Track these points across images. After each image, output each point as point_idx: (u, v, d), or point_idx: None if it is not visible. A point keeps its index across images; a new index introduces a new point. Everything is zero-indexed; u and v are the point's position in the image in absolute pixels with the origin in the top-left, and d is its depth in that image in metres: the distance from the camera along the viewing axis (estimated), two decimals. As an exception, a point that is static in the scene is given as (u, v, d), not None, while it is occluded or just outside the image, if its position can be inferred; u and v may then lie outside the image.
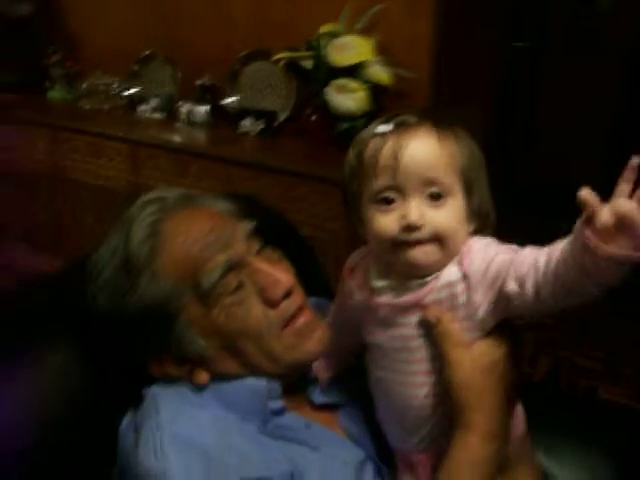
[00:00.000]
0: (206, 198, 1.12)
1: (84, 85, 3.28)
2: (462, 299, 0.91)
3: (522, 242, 0.91)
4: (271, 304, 1.02)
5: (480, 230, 0.94)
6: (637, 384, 2.76)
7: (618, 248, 0.73)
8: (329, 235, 2.44)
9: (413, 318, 0.93)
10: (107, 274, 1.03)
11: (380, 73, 2.47)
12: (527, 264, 0.85)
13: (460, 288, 0.91)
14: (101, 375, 1.09)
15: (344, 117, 2.48)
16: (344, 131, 2.50)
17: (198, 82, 2.98)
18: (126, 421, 1.03)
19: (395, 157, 0.88)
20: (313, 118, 2.64)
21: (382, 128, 0.92)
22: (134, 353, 1.06)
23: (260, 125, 2.79)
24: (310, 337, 1.05)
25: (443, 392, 0.93)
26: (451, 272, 0.91)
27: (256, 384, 1.04)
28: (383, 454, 1.09)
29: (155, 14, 3.21)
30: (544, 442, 1.19)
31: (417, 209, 0.87)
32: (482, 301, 0.90)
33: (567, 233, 0.79)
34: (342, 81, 2.43)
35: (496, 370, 0.91)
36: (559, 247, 0.81)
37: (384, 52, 2.55)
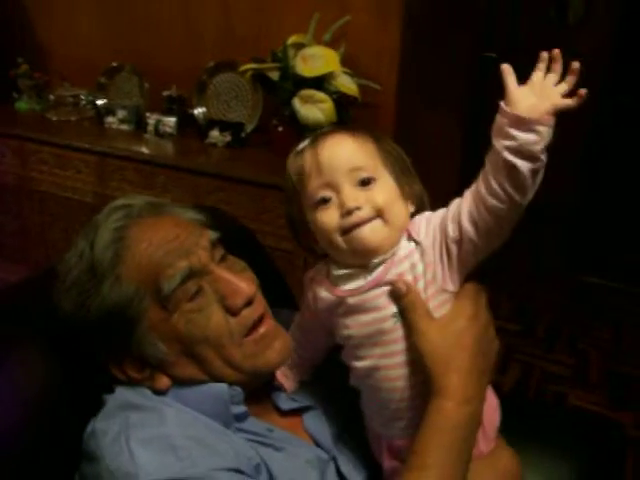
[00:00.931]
0: (173, 207, 1.14)
1: (52, 96, 3.25)
2: (420, 267, 0.97)
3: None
4: (232, 312, 1.04)
5: (419, 211, 1.02)
6: (605, 390, 2.78)
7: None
8: (295, 247, 2.42)
9: (381, 300, 0.97)
10: (73, 277, 1.05)
11: (347, 84, 2.47)
12: (456, 203, 0.95)
13: (416, 257, 0.97)
14: (64, 380, 1.09)
15: (311, 128, 2.47)
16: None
17: (165, 93, 2.98)
18: (90, 427, 1.03)
19: (316, 159, 0.98)
20: (280, 129, 2.64)
21: (301, 146, 1.02)
22: (96, 356, 1.06)
23: (227, 136, 2.79)
24: (271, 346, 1.07)
25: (408, 378, 0.97)
26: (403, 245, 0.98)
27: (218, 388, 1.05)
28: (345, 456, 1.12)
29: (122, 26, 3.21)
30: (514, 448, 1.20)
31: (351, 194, 0.95)
32: (437, 261, 0.96)
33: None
34: (309, 92, 2.43)
35: (464, 335, 0.95)
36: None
37: (351, 63, 2.56)
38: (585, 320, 2.95)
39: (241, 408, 1.06)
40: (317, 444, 1.13)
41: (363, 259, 0.98)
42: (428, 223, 0.98)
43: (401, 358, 0.97)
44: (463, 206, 0.93)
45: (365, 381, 1.04)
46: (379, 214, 0.95)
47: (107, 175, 2.85)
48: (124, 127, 3.04)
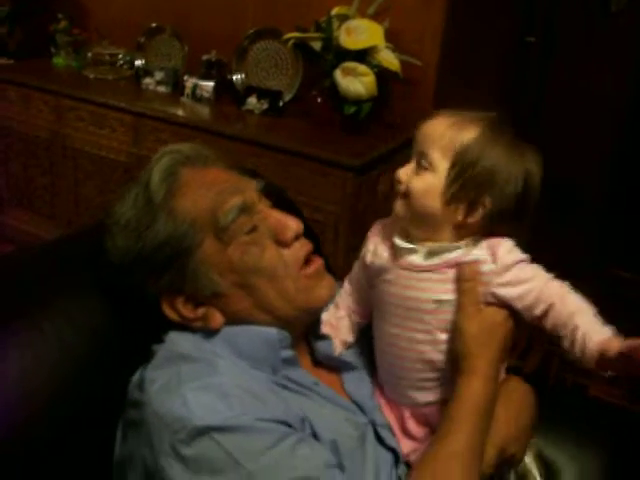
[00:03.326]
0: (220, 157, 1.17)
1: (90, 54, 3.26)
2: (486, 268, 1.03)
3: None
4: (283, 244, 1.09)
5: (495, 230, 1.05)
6: (626, 384, 2.77)
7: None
8: (328, 217, 2.44)
9: (428, 283, 1.05)
10: (128, 216, 1.08)
11: (389, 59, 2.47)
12: (550, 299, 1.02)
13: (486, 267, 1.03)
14: (112, 331, 1.12)
15: (351, 100, 2.47)
16: (350, 114, 2.50)
17: (204, 57, 2.96)
18: (137, 376, 1.05)
19: (420, 128, 1.05)
20: (319, 100, 2.64)
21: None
22: (149, 294, 1.08)
23: (265, 104, 2.78)
24: (321, 284, 1.13)
25: (444, 350, 1.06)
26: (482, 254, 1.03)
27: (267, 331, 1.08)
28: (380, 420, 1.14)
29: (164, -14, 3.19)
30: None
31: (405, 170, 1.05)
32: (502, 290, 1.03)
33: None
34: (351, 64, 2.42)
35: (498, 330, 1.04)
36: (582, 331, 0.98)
37: (394, 38, 2.54)
38: (610, 313, 2.93)
39: (289, 352, 1.09)
40: (356, 405, 1.15)
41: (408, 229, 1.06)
42: (519, 268, 1.03)
43: (432, 337, 1.06)
44: (549, 319, 1.02)
45: (386, 343, 1.11)
46: (405, 196, 1.04)
47: (142, 136, 2.86)
48: (161, 89, 3.04)
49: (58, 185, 3.22)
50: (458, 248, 1.03)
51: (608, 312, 1.02)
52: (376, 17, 2.53)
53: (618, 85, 3.86)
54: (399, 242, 1.06)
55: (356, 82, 2.44)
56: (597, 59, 3.94)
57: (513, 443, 1.09)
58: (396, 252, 1.07)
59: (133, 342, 1.11)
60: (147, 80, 3.06)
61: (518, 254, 1.04)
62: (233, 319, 1.08)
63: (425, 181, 1.02)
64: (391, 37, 2.53)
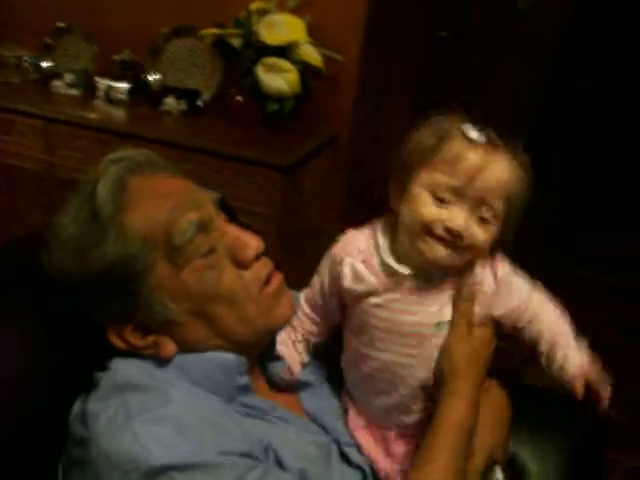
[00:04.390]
0: (169, 166, 1.08)
1: (-8, 57, 3.08)
2: (485, 289, 1.02)
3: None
4: (243, 266, 1.00)
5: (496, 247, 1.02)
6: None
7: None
8: (257, 220, 2.36)
9: (433, 307, 1.00)
10: (70, 231, 0.97)
11: (311, 54, 2.41)
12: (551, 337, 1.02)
13: (489, 289, 1.02)
14: (49, 356, 1.03)
15: (273, 97, 2.41)
16: (273, 112, 2.43)
17: (117, 57, 2.84)
18: (78, 408, 0.95)
19: (478, 172, 0.92)
20: (239, 98, 2.56)
21: (474, 134, 0.94)
22: (95, 320, 0.98)
23: (183, 104, 2.68)
24: (281, 301, 1.05)
25: (433, 374, 1.03)
26: (483, 273, 1.02)
27: (225, 357, 1.00)
28: (344, 438, 1.10)
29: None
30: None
31: (465, 220, 0.93)
32: (497, 304, 1.03)
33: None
34: (272, 60, 2.36)
35: (484, 350, 1.04)
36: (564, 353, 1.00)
37: (315, 33, 2.49)
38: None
39: (246, 379, 1.02)
40: (317, 424, 1.10)
41: (422, 263, 0.98)
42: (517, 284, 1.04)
43: (429, 362, 1.03)
44: (529, 332, 1.04)
45: (379, 373, 1.05)
46: (467, 249, 0.95)
47: (54, 142, 2.70)
48: (72, 92, 2.88)
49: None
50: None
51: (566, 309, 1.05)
52: (297, 11, 2.47)
53: (531, 77, 3.93)
54: (401, 268, 0.99)
55: (278, 78, 2.37)
56: (509, 53, 4.00)
57: (498, 449, 1.07)
58: (393, 277, 1.00)
59: (72, 368, 1.03)
60: (56, 83, 2.90)
61: (513, 271, 1.04)
62: (187, 347, 1.00)
63: (491, 234, 0.96)
64: (313, 32, 2.47)
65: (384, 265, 1.00)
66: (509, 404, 1.15)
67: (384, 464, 1.08)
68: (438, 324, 1.00)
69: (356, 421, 1.11)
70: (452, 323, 1.01)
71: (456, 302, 1.01)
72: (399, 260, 0.99)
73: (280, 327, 1.08)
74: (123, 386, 0.93)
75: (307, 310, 1.12)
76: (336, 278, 1.05)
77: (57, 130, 2.69)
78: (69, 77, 2.89)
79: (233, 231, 1.03)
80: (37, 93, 2.94)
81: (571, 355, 0.99)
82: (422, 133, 0.98)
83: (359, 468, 1.06)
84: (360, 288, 1.02)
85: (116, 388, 0.93)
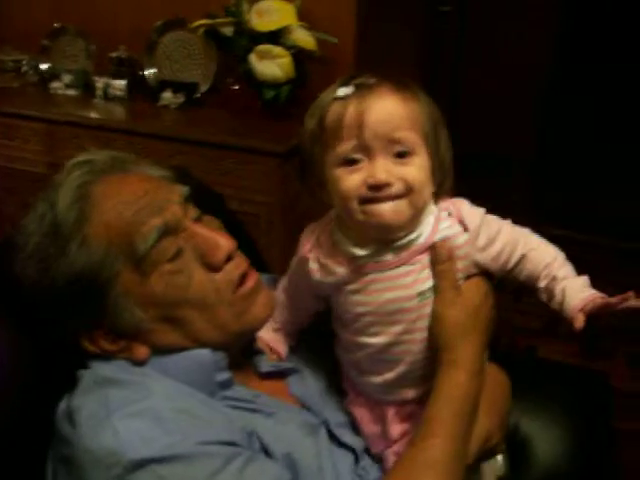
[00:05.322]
0: (137, 163, 1.05)
1: (-10, 62, 3.09)
2: (461, 240, 0.96)
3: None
4: (213, 268, 0.97)
5: (442, 185, 0.97)
6: (581, 339, 2.77)
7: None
8: (259, 209, 2.36)
9: (408, 278, 0.95)
10: (34, 242, 0.96)
11: (304, 38, 2.39)
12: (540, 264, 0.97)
13: (462, 239, 0.96)
14: (30, 359, 1.02)
15: (269, 84, 2.39)
16: (270, 99, 2.42)
17: (113, 55, 2.84)
18: (62, 405, 0.95)
19: (360, 118, 0.89)
20: (235, 87, 2.55)
21: (342, 91, 0.92)
22: (65, 328, 0.98)
23: (181, 97, 2.68)
24: (257, 301, 1.02)
25: (430, 344, 0.97)
26: (447, 226, 0.96)
27: (200, 355, 0.99)
28: (335, 420, 1.08)
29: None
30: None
31: (384, 168, 0.89)
32: (479, 254, 0.97)
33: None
34: (265, 47, 2.34)
35: (480, 313, 0.97)
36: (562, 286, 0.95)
37: (307, 17, 2.47)
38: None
39: (225, 374, 1.00)
40: (305, 408, 1.08)
41: (378, 234, 0.94)
42: (486, 224, 0.97)
43: (423, 333, 0.97)
44: (522, 271, 0.98)
45: (377, 355, 1.01)
46: (407, 194, 0.90)
47: (58, 143, 2.70)
48: (71, 92, 2.89)
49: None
50: (420, 232, 0.95)
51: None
52: (287, -4, 2.45)
53: (536, 48, 3.87)
54: (359, 251, 0.96)
55: (272, 65, 2.36)
56: (513, 26, 3.95)
57: (496, 434, 1.02)
58: (356, 261, 0.97)
59: (54, 367, 1.02)
60: (55, 84, 2.91)
61: (477, 208, 0.99)
62: (160, 350, 0.98)
63: (419, 167, 0.91)
64: (304, 15, 2.46)
65: (345, 252, 0.98)
66: (508, 386, 1.09)
67: (378, 443, 1.06)
68: (420, 294, 0.95)
69: (356, 402, 1.10)
70: (435, 289, 0.95)
71: (433, 266, 0.95)
72: (357, 243, 0.97)
73: (257, 328, 1.06)
74: (103, 381, 0.93)
75: (284, 301, 1.11)
76: (306, 275, 1.04)
77: (59, 131, 2.70)
78: (67, 78, 2.90)
79: (202, 232, 0.99)
80: (37, 96, 2.95)
81: (569, 289, 0.94)
82: (306, 123, 0.98)
83: (349, 448, 1.04)
84: (331, 279, 1.00)
85: (97, 383, 0.93)
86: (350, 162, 0.91)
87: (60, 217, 0.94)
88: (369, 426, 1.07)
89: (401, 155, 0.90)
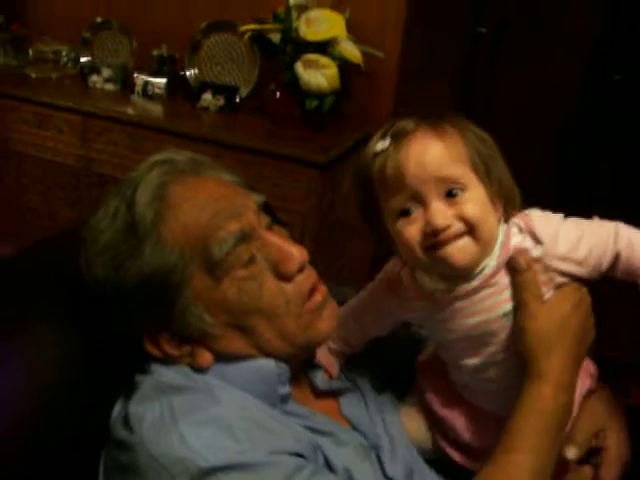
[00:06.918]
0: (214, 167, 1.03)
1: (31, 51, 3.08)
2: (535, 253, 0.92)
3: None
4: (285, 278, 0.95)
5: (508, 208, 0.94)
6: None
7: None
8: (293, 217, 2.34)
9: (491, 300, 0.93)
10: (106, 238, 0.93)
11: (351, 50, 2.38)
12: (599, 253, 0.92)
13: (536, 252, 0.92)
14: (85, 360, 1.00)
15: (313, 94, 2.38)
16: (312, 109, 2.40)
17: (155, 52, 2.83)
18: (120, 410, 0.93)
19: (402, 169, 0.88)
20: (277, 95, 2.53)
21: (380, 145, 0.90)
22: (130, 329, 0.95)
23: (221, 100, 2.67)
24: (324, 314, 0.99)
25: (517, 361, 0.94)
26: (518, 242, 0.93)
27: (265, 365, 0.97)
28: (385, 445, 1.06)
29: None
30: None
31: (439, 212, 0.87)
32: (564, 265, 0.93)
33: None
34: (313, 56, 2.33)
35: (568, 322, 0.92)
36: None
37: (354, 29, 2.46)
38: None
39: (286, 388, 0.98)
40: (357, 430, 1.06)
41: (452, 274, 0.93)
42: (564, 230, 0.93)
43: (511, 350, 0.95)
44: (618, 269, 0.92)
45: (476, 375, 1.00)
46: (469, 230, 0.88)
47: (91, 137, 2.71)
48: (109, 87, 2.89)
49: (1, 192, 3.03)
50: (493, 253, 0.93)
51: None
52: (336, 7, 2.45)
53: (571, 73, 3.86)
54: (437, 286, 0.95)
55: (318, 75, 2.34)
56: (548, 50, 3.94)
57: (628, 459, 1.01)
58: (435, 294, 0.95)
59: (112, 370, 1.00)
60: (94, 78, 2.91)
61: (552, 216, 0.95)
62: (224, 357, 0.96)
63: (474, 200, 0.88)
64: (352, 28, 2.44)
65: (425, 287, 0.97)
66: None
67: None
68: (504, 315, 0.93)
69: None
70: (518, 303, 0.92)
71: (513, 279, 0.92)
72: (434, 278, 0.96)
73: (321, 342, 1.04)
74: (166, 388, 0.91)
75: (350, 323, 1.10)
76: (390, 310, 1.04)
77: (94, 125, 2.70)
78: (107, 72, 2.89)
79: (276, 241, 0.97)
80: (75, 88, 2.95)
81: None
82: (353, 184, 0.97)
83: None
84: (414, 315, 1.02)
85: (159, 390, 0.91)
86: (406, 213, 0.90)
87: (137, 216, 0.92)
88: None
89: (453, 194, 0.88)
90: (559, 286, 0.94)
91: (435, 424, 1.10)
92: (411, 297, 0.99)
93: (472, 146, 0.91)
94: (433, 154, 0.88)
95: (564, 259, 0.92)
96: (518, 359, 0.94)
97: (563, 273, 0.93)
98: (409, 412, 1.13)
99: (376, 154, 0.91)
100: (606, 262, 0.92)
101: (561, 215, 0.95)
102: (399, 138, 0.90)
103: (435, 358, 1.11)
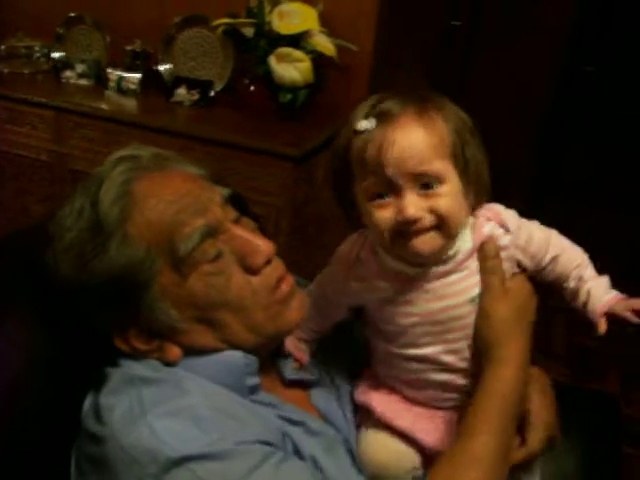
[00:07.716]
0: (180, 160, 1.03)
1: (2, 47, 3.05)
2: (505, 241, 0.97)
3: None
4: (253, 271, 0.96)
5: (479, 196, 0.96)
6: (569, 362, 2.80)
7: None
8: (268, 210, 2.35)
9: (462, 284, 0.95)
10: (72, 236, 0.93)
11: (324, 43, 2.38)
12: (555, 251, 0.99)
13: (505, 240, 0.97)
14: (53, 353, 1.01)
15: (286, 88, 2.38)
16: (286, 102, 2.41)
17: (128, 48, 2.82)
18: (90, 402, 0.94)
19: (382, 155, 0.87)
20: (252, 88, 2.54)
21: (364, 125, 0.89)
22: (98, 325, 0.96)
23: (195, 95, 2.67)
24: (291, 305, 1.00)
25: (473, 348, 0.97)
26: (490, 229, 0.97)
27: (232, 357, 0.97)
28: (350, 433, 1.08)
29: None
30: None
31: (412, 203, 0.87)
32: (520, 253, 0.98)
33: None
34: (286, 50, 2.33)
35: (527, 309, 0.99)
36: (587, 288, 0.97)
37: (327, 22, 2.46)
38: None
39: (255, 379, 0.99)
40: (326, 420, 1.08)
41: (416, 261, 0.95)
42: (523, 224, 0.99)
43: (464, 344, 0.98)
44: (553, 271, 0.99)
45: (423, 366, 1.01)
46: (440, 224, 0.89)
47: (65, 133, 2.69)
48: (83, 82, 2.87)
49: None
50: (458, 246, 0.95)
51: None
52: (309, 0, 2.44)
53: (544, 66, 3.89)
54: (407, 268, 0.96)
55: (291, 68, 2.35)
56: (522, 42, 3.96)
57: (554, 427, 1.04)
58: (402, 275, 0.96)
59: (81, 364, 1.01)
60: (67, 73, 2.89)
61: (513, 211, 0.99)
62: (193, 351, 0.97)
63: (449, 194, 0.89)
64: (325, 21, 2.44)
65: (390, 269, 0.97)
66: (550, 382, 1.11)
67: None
68: (472, 300, 0.95)
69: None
70: (483, 286, 0.95)
71: (481, 262, 0.95)
72: (402, 260, 0.96)
73: (289, 332, 1.05)
74: (135, 380, 0.92)
75: (311, 310, 1.09)
76: (342, 289, 1.04)
77: (68, 120, 2.68)
78: (80, 67, 2.88)
79: (242, 234, 0.97)
80: (48, 83, 2.93)
81: (594, 290, 0.96)
82: (331, 159, 0.98)
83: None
84: (375, 295, 1.00)
85: (128, 382, 0.92)
86: (380, 196, 0.90)
87: (102, 214, 0.92)
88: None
89: (429, 186, 0.89)
90: (513, 275, 0.98)
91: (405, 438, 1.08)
92: (372, 277, 0.99)
93: (454, 132, 0.91)
94: (416, 147, 0.88)
95: (523, 250, 0.97)
96: (475, 345, 0.96)
97: (519, 264, 0.98)
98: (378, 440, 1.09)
99: (357, 132, 0.91)
100: (545, 261, 0.98)
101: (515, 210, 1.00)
102: (384, 121, 0.89)
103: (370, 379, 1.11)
